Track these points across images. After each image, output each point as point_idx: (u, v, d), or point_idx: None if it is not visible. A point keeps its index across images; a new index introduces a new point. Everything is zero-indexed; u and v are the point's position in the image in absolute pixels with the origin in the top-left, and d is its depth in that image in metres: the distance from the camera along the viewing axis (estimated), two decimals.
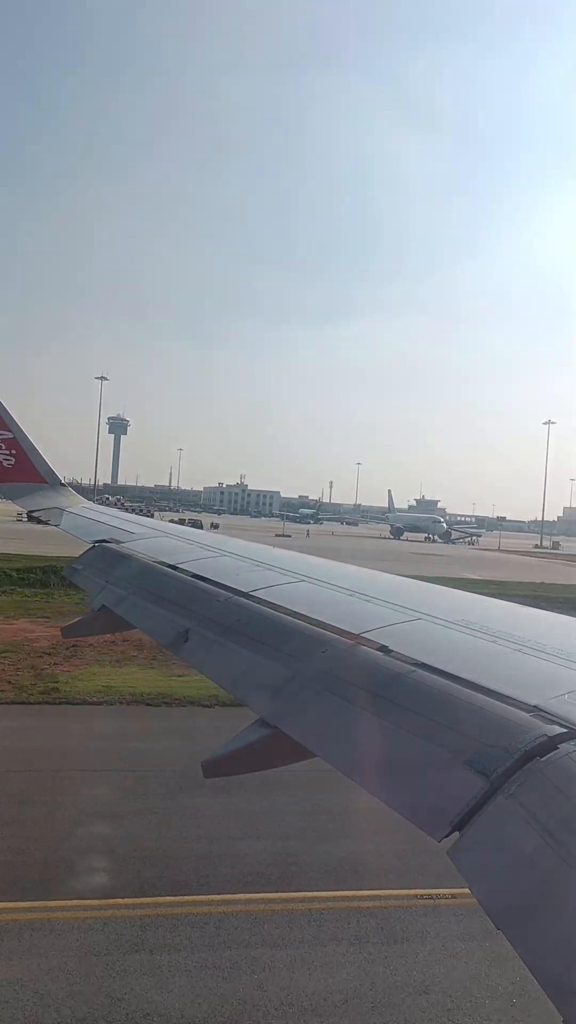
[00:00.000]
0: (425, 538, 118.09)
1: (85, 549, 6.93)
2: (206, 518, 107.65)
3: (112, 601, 5.18)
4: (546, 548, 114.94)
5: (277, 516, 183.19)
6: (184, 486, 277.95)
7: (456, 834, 2.04)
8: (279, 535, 54.19)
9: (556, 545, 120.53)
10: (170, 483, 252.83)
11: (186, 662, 3.92)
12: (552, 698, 2.59)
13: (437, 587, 4.65)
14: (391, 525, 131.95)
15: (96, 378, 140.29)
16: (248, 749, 3.00)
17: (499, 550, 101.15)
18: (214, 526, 71.08)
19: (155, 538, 6.90)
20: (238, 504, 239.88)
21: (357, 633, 3.49)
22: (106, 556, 6.44)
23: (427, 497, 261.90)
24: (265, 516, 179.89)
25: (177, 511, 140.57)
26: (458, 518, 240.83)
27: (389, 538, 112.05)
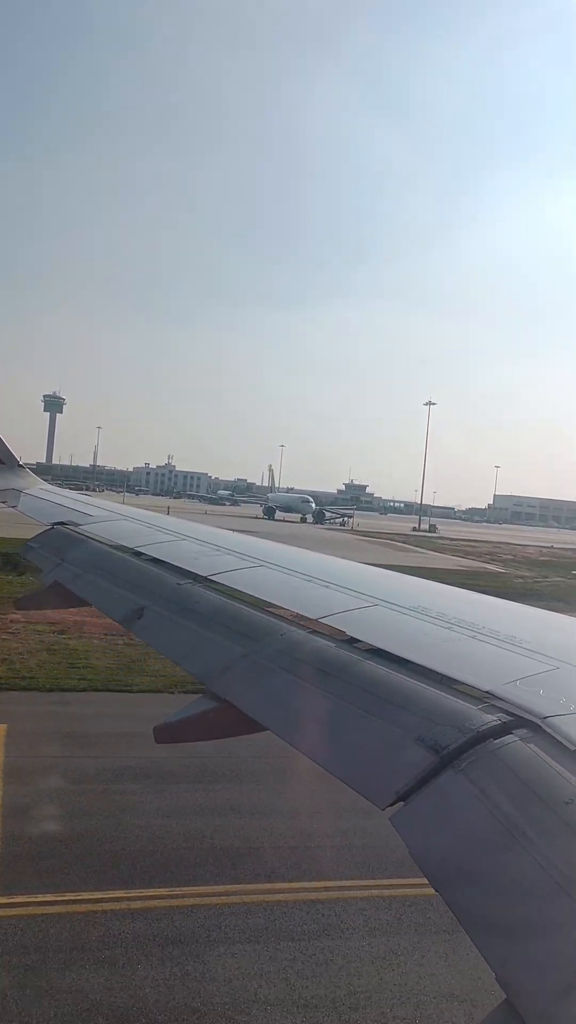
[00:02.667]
0: (301, 518, 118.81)
1: (42, 530, 6.81)
2: (126, 499, 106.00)
3: (66, 578, 5.10)
4: (423, 531, 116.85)
5: (198, 497, 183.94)
6: (120, 467, 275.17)
7: (400, 804, 2.05)
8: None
9: (432, 528, 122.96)
10: (94, 462, 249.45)
11: (138, 637, 3.87)
12: (504, 684, 2.62)
13: (395, 574, 4.68)
14: (263, 505, 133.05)
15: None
16: (199, 718, 3.00)
17: (352, 530, 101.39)
18: None
19: (114, 521, 6.82)
20: (165, 484, 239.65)
21: (314, 618, 3.50)
22: (62, 538, 6.34)
23: (355, 482, 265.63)
24: (187, 497, 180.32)
25: (94, 491, 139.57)
26: (389, 503, 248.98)
27: (263, 518, 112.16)
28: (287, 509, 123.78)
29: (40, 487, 9.63)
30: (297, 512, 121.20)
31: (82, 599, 4.81)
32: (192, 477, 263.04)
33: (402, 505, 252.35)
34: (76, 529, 6.40)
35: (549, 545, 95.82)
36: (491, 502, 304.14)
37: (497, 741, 2.19)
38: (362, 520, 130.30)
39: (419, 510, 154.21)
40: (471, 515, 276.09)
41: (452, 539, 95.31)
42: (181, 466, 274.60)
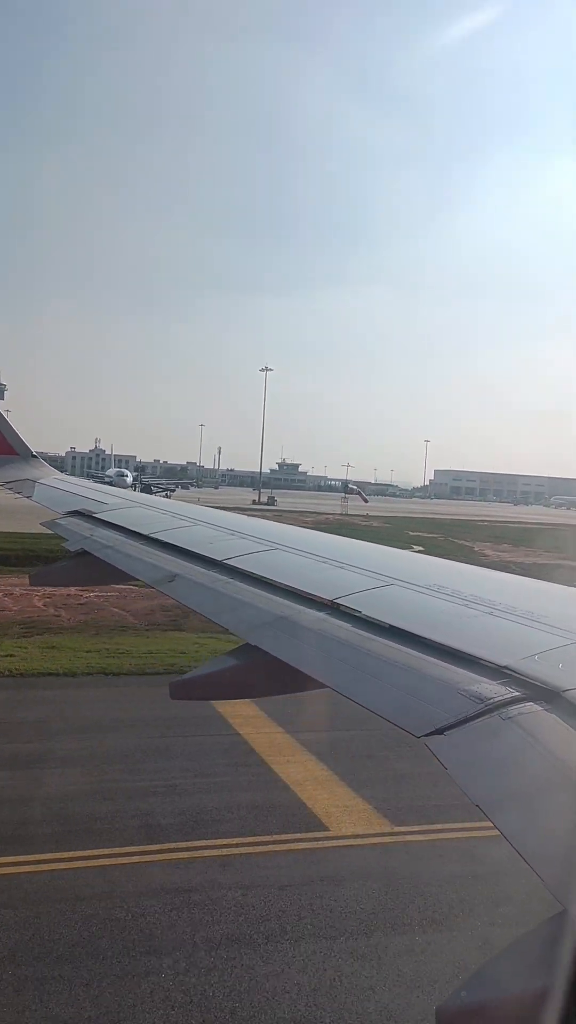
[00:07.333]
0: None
1: (57, 518, 6.91)
2: None
3: (94, 548, 5.17)
4: (262, 504, 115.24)
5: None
6: (60, 452, 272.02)
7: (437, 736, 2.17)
8: None
9: (271, 500, 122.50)
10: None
11: (170, 596, 3.96)
12: (522, 658, 2.71)
13: (409, 553, 4.77)
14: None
15: None
16: (225, 673, 3.00)
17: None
18: None
19: (128, 508, 6.92)
20: (94, 468, 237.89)
21: (330, 599, 3.56)
22: (80, 524, 6.43)
23: (288, 460, 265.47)
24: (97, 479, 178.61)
25: None
26: (326, 481, 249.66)
27: None
28: (112, 484, 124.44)
29: (55, 476, 9.72)
30: (119, 487, 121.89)
31: (112, 566, 4.87)
32: (122, 461, 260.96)
33: (335, 483, 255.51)
34: (93, 514, 6.50)
35: (392, 515, 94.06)
36: (432, 477, 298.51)
37: (540, 703, 2.27)
38: (214, 497, 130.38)
39: (259, 482, 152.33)
40: (412, 492, 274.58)
41: (273, 510, 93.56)
42: (112, 449, 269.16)
